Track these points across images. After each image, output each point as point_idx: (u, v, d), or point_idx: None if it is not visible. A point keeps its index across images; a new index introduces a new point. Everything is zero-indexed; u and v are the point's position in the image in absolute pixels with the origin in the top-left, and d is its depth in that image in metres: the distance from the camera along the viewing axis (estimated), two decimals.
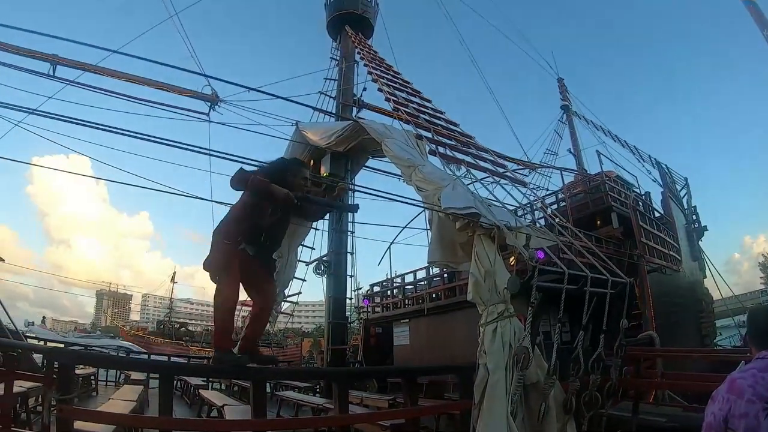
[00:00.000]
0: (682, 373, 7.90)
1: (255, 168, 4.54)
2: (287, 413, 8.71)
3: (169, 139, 4.13)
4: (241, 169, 4.33)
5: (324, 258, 8.73)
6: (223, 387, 12.34)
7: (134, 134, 4.08)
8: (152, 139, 4.08)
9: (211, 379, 11.47)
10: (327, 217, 7.92)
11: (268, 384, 11.30)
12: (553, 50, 42.94)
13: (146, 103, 7.58)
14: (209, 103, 7.88)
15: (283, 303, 11.97)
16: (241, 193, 4.53)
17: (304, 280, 10.85)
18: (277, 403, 9.20)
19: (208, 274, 4.42)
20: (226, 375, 7.16)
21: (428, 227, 5.11)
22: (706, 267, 16.58)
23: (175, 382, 11.17)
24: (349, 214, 8.50)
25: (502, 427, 3.64)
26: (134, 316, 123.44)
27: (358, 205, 4.43)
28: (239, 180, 4.30)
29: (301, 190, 4.76)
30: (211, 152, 4.38)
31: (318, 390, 10.50)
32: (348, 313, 11.82)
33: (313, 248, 9.50)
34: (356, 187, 7.16)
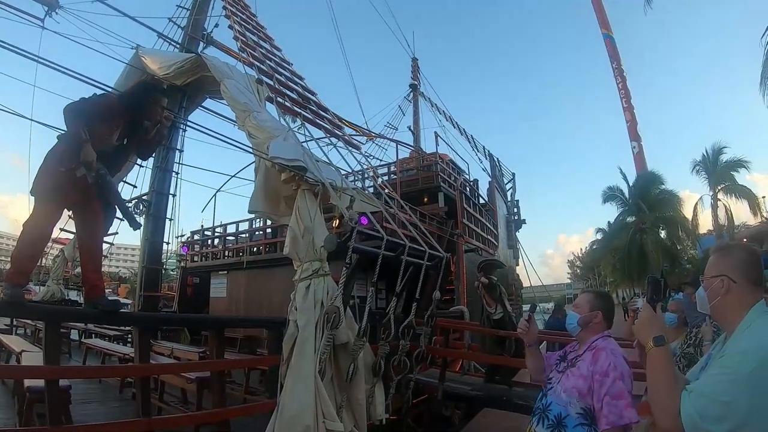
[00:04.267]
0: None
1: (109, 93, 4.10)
2: (94, 363, 8.11)
3: None
4: (83, 99, 3.83)
5: (144, 197, 8.04)
6: (29, 333, 11.13)
7: None
8: None
9: (15, 324, 10.55)
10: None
11: (77, 332, 10.50)
12: (415, 30, 43.68)
13: None
14: (46, 8, 6.80)
15: None
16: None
17: (122, 220, 10.01)
18: (83, 352, 8.59)
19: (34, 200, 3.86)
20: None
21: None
22: (521, 256, 18.37)
23: None
24: (177, 153, 7.91)
25: (310, 384, 3.60)
26: None
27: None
28: (72, 110, 3.77)
29: (157, 118, 4.37)
30: (39, 59, 3.73)
31: (129, 340, 9.88)
32: (165, 260, 11.14)
33: (135, 186, 8.69)
34: (189, 125, 6.74)
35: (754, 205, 29.65)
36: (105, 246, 11.59)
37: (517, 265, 18.43)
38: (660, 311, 1.89)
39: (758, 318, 1.60)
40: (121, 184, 9.37)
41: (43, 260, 10.74)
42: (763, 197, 30.36)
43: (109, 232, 10.32)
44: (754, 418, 1.37)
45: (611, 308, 2.68)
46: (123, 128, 4.15)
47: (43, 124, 4.21)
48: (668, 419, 1.54)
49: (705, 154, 31.97)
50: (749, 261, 1.71)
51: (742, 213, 32.20)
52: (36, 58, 3.76)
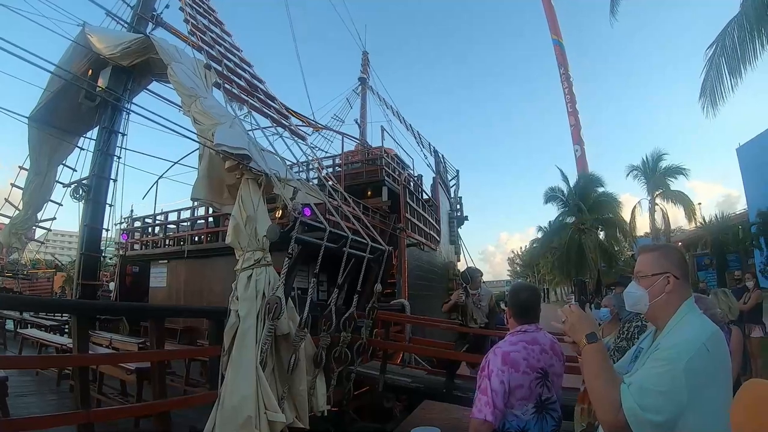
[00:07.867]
0: (429, 340, 8.70)
1: None
2: (30, 353, 7.82)
3: None
4: None
5: (84, 181, 7.75)
6: None
7: None
8: None
9: None
10: (94, 136, 7.04)
11: (12, 321, 10.08)
12: (367, 24, 43.74)
13: None
14: None
15: (35, 229, 10.56)
16: None
17: (60, 205, 9.77)
18: (19, 343, 8.36)
19: None
20: None
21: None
22: (462, 252, 18.74)
23: None
24: (120, 137, 7.66)
25: (251, 375, 3.61)
26: None
27: None
28: None
29: None
30: None
31: (67, 330, 9.56)
32: (104, 247, 10.81)
33: (75, 170, 8.48)
34: (132, 108, 6.57)
35: (689, 211, 30.90)
36: (41, 232, 11.16)
37: (459, 260, 18.89)
38: (589, 310, 1.98)
39: (689, 312, 1.71)
40: (61, 167, 9.03)
41: None
42: (699, 204, 31.70)
43: (45, 218, 9.96)
44: (693, 406, 1.46)
45: (515, 304, 2.64)
46: None
47: None
48: (610, 412, 1.59)
49: (644, 159, 33.00)
50: (683, 258, 1.85)
51: (679, 218, 33.61)
52: None
